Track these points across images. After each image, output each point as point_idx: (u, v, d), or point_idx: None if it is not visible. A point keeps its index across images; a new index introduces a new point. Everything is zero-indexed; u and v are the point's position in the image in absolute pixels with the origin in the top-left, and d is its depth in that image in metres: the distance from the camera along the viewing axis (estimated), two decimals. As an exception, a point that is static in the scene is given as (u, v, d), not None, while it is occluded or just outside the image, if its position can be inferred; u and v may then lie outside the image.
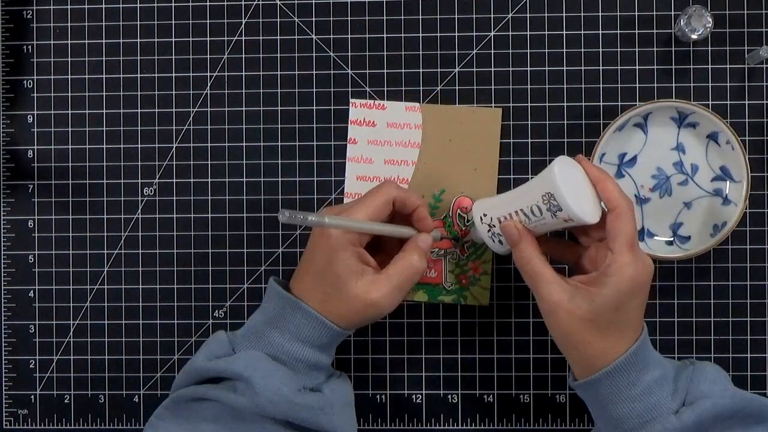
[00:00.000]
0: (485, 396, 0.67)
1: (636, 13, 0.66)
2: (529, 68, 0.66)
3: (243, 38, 0.67)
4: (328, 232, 0.54)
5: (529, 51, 0.66)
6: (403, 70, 0.66)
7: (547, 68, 0.66)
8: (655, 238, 0.64)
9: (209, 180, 0.67)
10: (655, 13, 0.65)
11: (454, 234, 0.63)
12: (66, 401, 0.68)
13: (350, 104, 0.63)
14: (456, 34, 0.66)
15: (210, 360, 0.55)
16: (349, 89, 0.66)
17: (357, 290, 0.53)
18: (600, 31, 0.66)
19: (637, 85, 0.65)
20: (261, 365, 0.53)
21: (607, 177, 0.53)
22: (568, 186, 0.52)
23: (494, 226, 0.56)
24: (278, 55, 0.67)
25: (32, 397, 0.68)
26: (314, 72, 0.67)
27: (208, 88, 0.67)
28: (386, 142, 0.63)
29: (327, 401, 0.54)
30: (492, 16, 0.66)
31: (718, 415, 0.52)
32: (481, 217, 0.57)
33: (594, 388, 0.53)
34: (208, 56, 0.67)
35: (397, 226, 0.57)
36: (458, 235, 0.63)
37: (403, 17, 0.66)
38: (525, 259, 0.54)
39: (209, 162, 0.67)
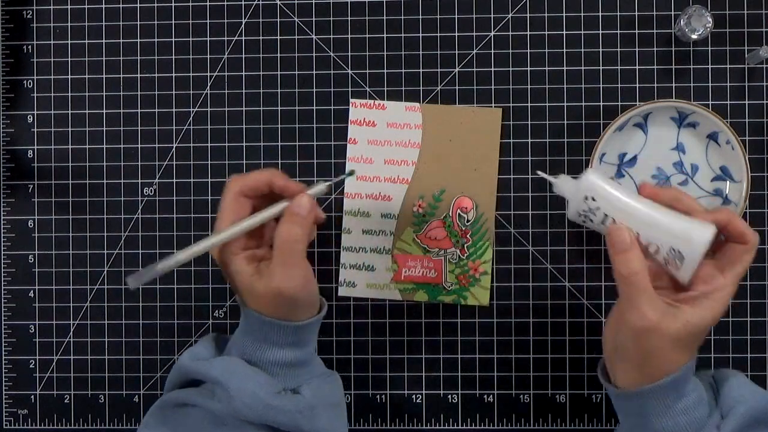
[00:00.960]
0: (485, 396, 0.67)
1: (636, 13, 0.66)
2: (529, 68, 0.66)
3: (243, 38, 0.67)
4: (217, 255, 0.55)
5: (529, 51, 0.66)
6: (403, 70, 0.66)
7: (547, 68, 0.66)
8: (655, 238, 0.64)
9: (209, 180, 0.67)
10: (655, 13, 0.65)
11: (455, 234, 0.63)
12: (66, 401, 0.68)
13: (350, 104, 0.63)
14: (456, 34, 0.66)
15: (193, 361, 0.55)
16: (349, 89, 0.66)
17: (261, 288, 0.53)
18: (600, 31, 0.66)
19: (637, 85, 0.65)
20: (237, 370, 0.53)
21: (730, 214, 0.52)
22: (704, 252, 0.50)
23: (595, 215, 0.52)
24: (278, 55, 0.67)
25: (32, 397, 0.68)
26: (314, 72, 0.67)
27: (208, 88, 0.67)
28: (386, 142, 0.63)
29: (306, 403, 0.53)
30: (492, 16, 0.66)
31: (754, 418, 0.52)
32: (587, 197, 0.51)
33: (642, 399, 0.51)
34: (208, 56, 0.67)
35: (264, 210, 0.55)
36: (458, 235, 0.63)
37: (403, 17, 0.66)
38: (632, 270, 0.50)
39: (209, 162, 0.67)
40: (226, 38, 0.67)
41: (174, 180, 0.67)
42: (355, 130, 0.64)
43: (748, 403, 0.52)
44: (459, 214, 0.63)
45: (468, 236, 0.63)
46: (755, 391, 0.54)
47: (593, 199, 0.51)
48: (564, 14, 0.66)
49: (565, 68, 0.66)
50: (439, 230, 0.63)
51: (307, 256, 0.54)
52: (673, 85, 0.65)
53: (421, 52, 0.66)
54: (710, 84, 0.65)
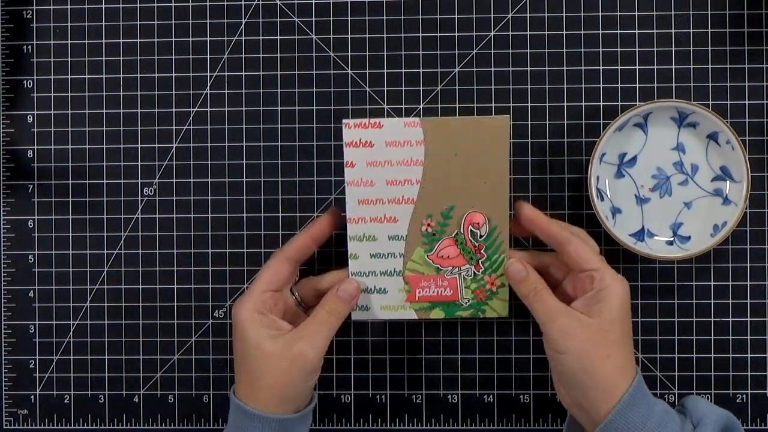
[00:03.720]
0: (485, 396, 0.67)
1: (636, 13, 0.66)
2: (529, 68, 0.66)
3: (243, 38, 0.67)
4: (237, 318, 0.56)
5: (529, 51, 0.66)
6: (403, 70, 0.66)
7: (547, 68, 0.66)
8: (655, 238, 0.64)
9: (209, 180, 0.67)
10: (655, 13, 0.65)
11: (468, 251, 0.60)
12: (66, 401, 0.68)
13: (343, 125, 0.58)
14: (456, 34, 0.66)
15: None
16: (349, 89, 0.66)
17: (277, 348, 0.54)
18: (600, 31, 0.66)
19: (637, 85, 0.65)
20: None
21: (543, 219, 0.58)
22: None
23: None
24: (278, 55, 0.67)
25: (32, 397, 0.68)
26: (314, 72, 0.67)
27: (208, 88, 0.67)
28: (386, 162, 0.59)
29: None
30: (492, 16, 0.66)
31: (724, 427, 0.55)
32: None
33: (613, 429, 0.53)
34: (208, 56, 0.67)
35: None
36: (472, 251, 0.60)
37: (403, 17, 0.66)
38: (536, 292, 0.56)
39: (209, 162, 0.67)
40: (226, 38, 0.67)
41: (174, 180, 0.67)
42: (351, 152, 0.59)
43: (718, 413, 0.56)
44: (471, 230, 0.60)
45: (482, 251, 0.60)
46: (716, 406, 0.57)
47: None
48: (564, 14, 0.66)
49: (565, 68, 0.66)
50: (452, 249, 0.60)
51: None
52: (673, 85, 0.65)
53: (421, 52, 0.66)
54: (710, 84, 0.65)
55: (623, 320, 0.54)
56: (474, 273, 0.60)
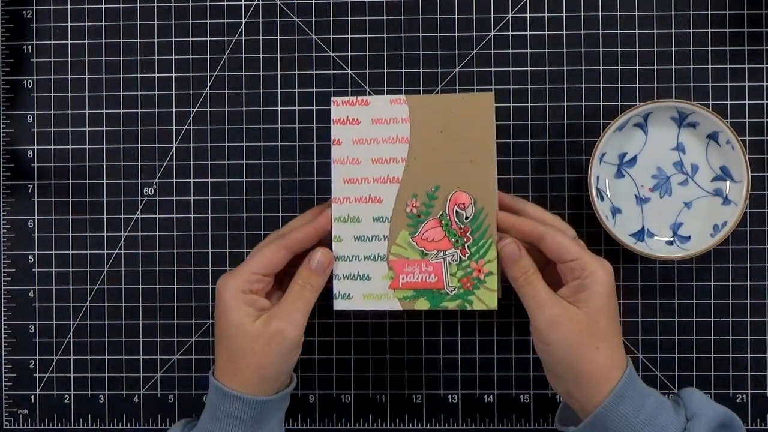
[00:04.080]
0: (485, 396, 0.67)
1: (636, 13, 0.66)
2: (529, 68, 0.66)
3: (243, 38, 0.67)
4: (222, 296, 0.55)
5: (529, 51, 0.66)
6: (403, 70, 0.66)
7: (547, 68, 0.66)
8: (655, 238, 0.64)
9: (209, 180, 0.67)
10: (655, 13, 0.65)
11: (453, 233, 0.58)
12: (66, 401, 0.68)
13: (332, 103, 0.58)
14: (456, 34, 0.66)
15: None
16: (349, 89, 0.66)
17: (257, 327, 0.54)
18: (600, 31, 0.66)
19: (637, 85, 0.65)
20: None
21: (513, 218, 0.57)
22: None
23: None
24: (278, 55, 0.67)
25: (32, 397, 0.68)
26: (314, 72, 0.67)
27: (208, 88, 0.67)
28: (373, 140, 0.58)
29: None
30: (492, 16, 0.66)
31: (721, 424, 0.54)
32: None
33: (602, 423, 0.52)
34: (208, 56, 0.67)
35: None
36: (457, 234, 0.58)
37: (403, 17, 0.66)
38: (527, 277, 0.55)
39: (209, 162, 0.67)
40: (226, 38, 0.67)
41: (174, 180, 0.67)
42: (338, 130, 0.58)
43: (714, 409, 0.55)
44: (456, 211, 0.58)
45: (468, 234, 0.58)
46: (713, 402, 0.57)
47: None
48: (564, 14, 0.66)
49: (565, 68, 0.66)
50: (436, 230, 0.59)
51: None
52: (673, 85, 0.65)
53: (421, 52, 0.66)
54: (710, 84, 0.65)
55: (609, 308, 0.54)
56: (460, 257, 0.58)
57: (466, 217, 0.58)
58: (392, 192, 0.59)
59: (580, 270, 0.53)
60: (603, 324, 0.53)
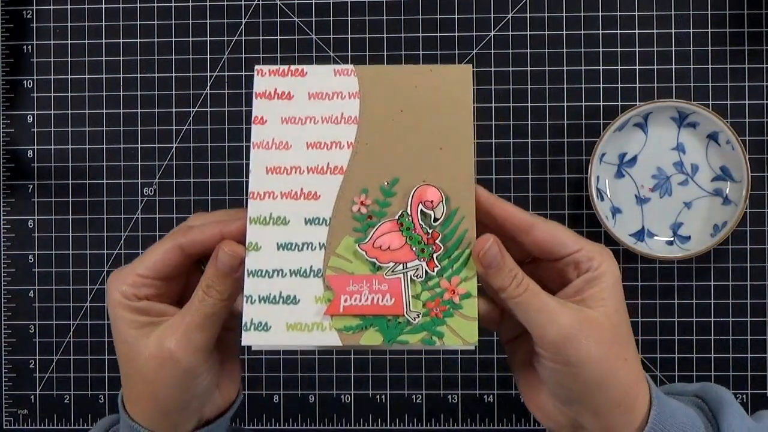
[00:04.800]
0: (485, 396, 0.67)
1: (636, 13, 0.66)
2: (529, 68, 0.66)
3: (243, 38, 0.67)
4: (108, 299, 0.42)
5: (529, 51, 0.66)
6: (403, 70, 0.66)
7: (547, 68, 0.66)
8: (655, 238, 0.64)
9: (209, 180, 0.67)
10: (655, 13, 0.65)
11: (417, 241, 0.43)
12: (66, 401, 0.68)
13: (255, 72, 0.45)
14: (456, 34, 0.66)
15: None
16: (349, 89, 0.66)
17: (149, 346, 0.40)
18: (600, 31, 0.66)
19: (637, 85, 0.65)
20: None
21: (501, 200, 0.44)
22: None
23: None
24: (278, 55, 0.67)
25: (32, 397, 0.68)
26: (314, 72, 0.67)
27: (208, 88, 0.67)
28: (309, 120, 0.45)
29: None
30: (492, 16, 0.66)
31: None
32: None
33: None
34: (208, 56, 0.67)
35: None
36: (423, 241, 0.43)
37: (403, 17, 0.66)
38: (519, 284, 0.41)
39: (209, 162, 0.67)
40: (226, 38, 0.67)
41: (174, 180, 0.67)
42: (262, 105, 0.45)
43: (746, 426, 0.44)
44: (422, 210, 0.44)
45: (437, 242, 0.43)
46: (752, 428, 0.45)
47: None
48: (564, 14, 0.66)
49: (565, 68, 0.66)
50: (394, 236, 0.44)
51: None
52: (673, 85, 0.65)
53: (421, 52, 0.66)
54: (710, 84, 0.65)
55: (624, 304, 0.42)
56: (426, 272, 0.43)
57: (435, 219, 0.44)
58: (333, 186, 0.45)
59: (587, 262, 0.41)
60: (625, 326, 0.41)
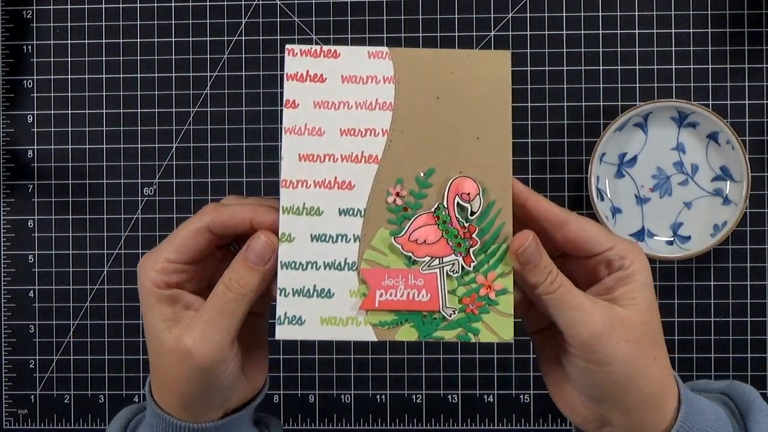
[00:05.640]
0: (485, 396, 0.67)
1: (636, 13, 0.66)
2: (529, 68, 0.66)
3: (243, 38, 0.67)
4: (139, 284, 0.42)
5: (529, 51, 0.66)
6: (403, 70, 0.66)
7: (547, 68, 0.66)
8: (655, 238, 0.64)
9: (209, 180, 0.67)
10: (655, 13, 0.65)
11: (453, 235, 0.43)
12: (66, 401, 0.68)
13: (286, 52, 0.43)
14: (456, 34, 0.66)
15: None
16: (349, 89, 0.66)
17: (170, 340, 0.40)
18: (600, 31, 0.66)
19: (637, 85, 0.65)
20: None
21: (536, 193, 0.43)
22: None
23: None
24: (278, 55, 0.67)
25: (32, 397, 0.68)
26: (314, 72, 0.67)
27: (208, 88, 0.67)
28: (342, 104, 0.44)
29: None
30: (492, 16, 0.66)
31: None
32: None
33: None
34: (208, 56, 0.67)
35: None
36: (459, 235, 0.42)
37: (403, 17, 0.66)
38: (553, 281, 0.41)
39: (209, 162, 0.67)
40: (226, 38, 0.67)
41: (174, 180, 0.67)
42: (294, 88, 0.43)
43: None
44: (458, 203, 0.43)
45: (474, 236, 0.42)
46: None
47: None
48: (564, 14, 0.66)
49: (565, 68, 0.66)
50: (430, 229, 0.43)
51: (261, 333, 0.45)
52: (673, 85, 0.65)
53: (421, 52, 0.66)
54: (710, 84, 0.65)
55: (656, 302, 0.42)
56: (463, 267, 0.42)
57: (472, 213, 0.43)
58: (368, 175, 0.43)
59: (618, 260, 0.41)
60: (656, 324, 0.41)
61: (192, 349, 0.39)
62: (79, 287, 0.68)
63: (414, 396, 0.67)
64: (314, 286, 0.42)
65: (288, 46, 0.43)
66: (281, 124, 0.43)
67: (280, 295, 0.42)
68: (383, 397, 0.67)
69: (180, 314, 0.41)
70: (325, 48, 0.43)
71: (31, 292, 0.68)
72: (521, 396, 0.66)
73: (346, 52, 0.43)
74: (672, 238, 0.64)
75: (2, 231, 0.68)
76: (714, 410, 0.43)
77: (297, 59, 0.43)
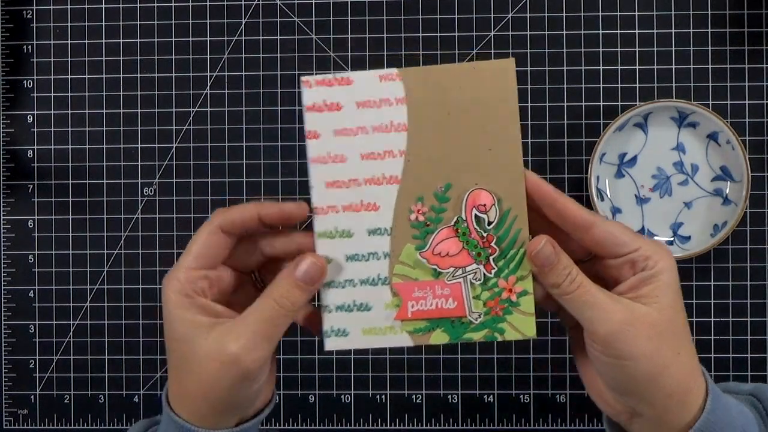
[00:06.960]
0: (485, 396, 0.67)
1: (636, 13, 0.66)
2: (529, 68, 0.66)
3: (243, 38, 0.67)
4: (164, 299, 0.44)
5: (529, 51, 0.66)
6: (403, 70, 0.66)
7: (547, 68, 0.66)
8: (655, 238, 0.64)
9: (209, 180, 0.67)
10: (655, 13, 0.66)
11: (473, 245, 0.45)
12: (66, 401, 0.68)
13: (302, 84, 0.45)
14: (456, 34, 0.66)
15: None
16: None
17: (208, 346, 0.42)
18: (600, 31, 0.66)
19: (637, 85, 0.65)
20: None
21: (564, 196, 0.44)
22: None
23: None
24: (278, 55, 0.67)
25: (32, 397, 0.68)
26: (314, 72, 0.67)
27: (208, 88, 0.67)
28: (360, 130, 0.46)
29: None
30: (492, 16, 0.66)
31: None
32: None
33: None
34: (208, 56, 0.67)
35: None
36: (479, 245, 0.45)
37: (403, 17, 0.66)
38: (573, 281, 0.42)
39: (209, 162, 0.67)
40: (226, 38, 0.67)
41: (174, 180, 0.67)
42: (314, 118, 0.46)
43: None
44: (476, 215, 0.45)
45: (493, 244, 0.45)
46: None
47: None
48: (564, 14, 0.66)
49: (565, 68, 0.66)
50: (451, 242, 0.46)
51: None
52: (673, 85, 0.65)
53: (421, 52, 0.66)
54: (710, 84, 0.65)
55: (681, 301, 0.43)
56: (484, 275, 0.45)
57: (489, 223, 0.45)
58: (390, 195, 0.46)
59: (643, 261, 0.42)
60: (680, 322, 0.42)
61: (239, 355, 0.41)
62: (79, 287, 0.68)
63: (414, 396, 0.67)
64: (353, 301, 0.46)
65: (303, 78, 0.45)
66: (300, 128, 0.45)
67: (325, 311, 0.46)
68: (383, 397, 0.67)
69: (210, 322, 0.43)
70: (338, 76, 0.46)
71: (31, 292, 0.68)
72: (521, 396, 0.66)
73: (358, 77, 0.46)
74: (672, 238, 0.64)
75: (2, 231, 0.68)
76: (740, 408, 0.44)
77: (313, 90, 0.45)
